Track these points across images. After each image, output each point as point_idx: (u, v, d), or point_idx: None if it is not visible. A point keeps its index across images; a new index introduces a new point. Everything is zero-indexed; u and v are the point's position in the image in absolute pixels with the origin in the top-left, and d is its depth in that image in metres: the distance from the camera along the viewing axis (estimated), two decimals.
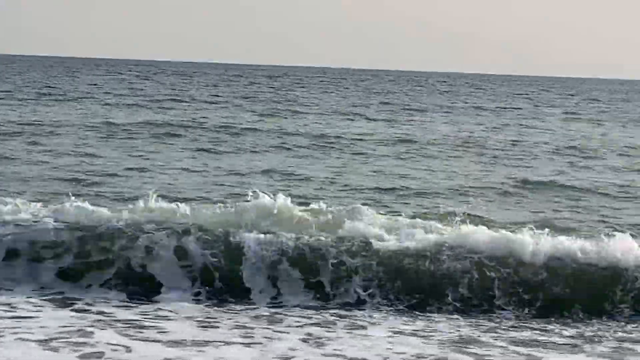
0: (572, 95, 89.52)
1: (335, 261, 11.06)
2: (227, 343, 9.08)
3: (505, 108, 57.36)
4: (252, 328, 9.65)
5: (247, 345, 9.05)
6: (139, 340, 9.13)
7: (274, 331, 9.58)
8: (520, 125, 41.79)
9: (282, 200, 11.79)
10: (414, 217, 12.70)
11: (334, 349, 9.02)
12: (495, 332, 9.95)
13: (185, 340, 9.15)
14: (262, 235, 11.24)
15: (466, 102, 62.83)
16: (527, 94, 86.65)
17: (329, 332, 9.68)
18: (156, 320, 9.87)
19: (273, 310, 10.51)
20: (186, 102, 47.32)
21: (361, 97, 65.65)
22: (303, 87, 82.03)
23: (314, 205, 12.27)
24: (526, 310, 10.75)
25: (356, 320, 10.20)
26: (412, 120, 41.95)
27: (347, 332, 9.67)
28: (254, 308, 10.54)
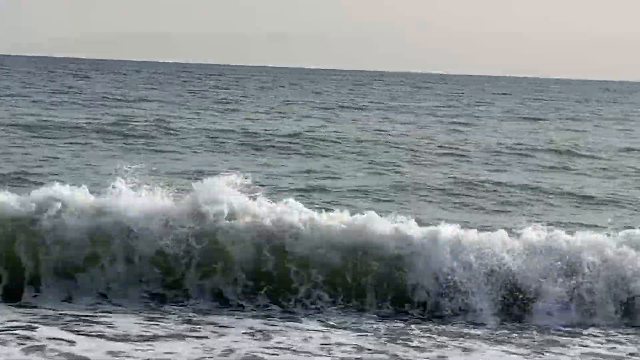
0: (507, 94, 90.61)
1: (271, 257, 11.16)
2: (174, 337, 9.37)
3: (440, 106, 58.00)
4: (198, 323, 9.93)
5: (195, 338, 9.35)
6: (83, 334, 9.34)
7: (220, 326, 9.86)
8: (454, 122, 42.34)
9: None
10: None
11: (277, 342, 9.36)
12: (425, 325, 10.30)
13: (131, 334, 9.40)
14: (201, 232, 11.23)
15: (405, 102, 63.36)
16: (463, 93, 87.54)
17: (270, 325, 10.00)
18: (103, 315, 10.09)
19: (216, 304, 10.75)
20: (120, 100, 47.16)
21: (297, 96, 66.01)
22: (238, 84, 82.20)
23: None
24: (451, 303, 10.95)
25: (293, 315, 10.51)
26: (347, 118, 42.23)
27: (287, 326, 9.96)
28: (200, 303, 10.76)
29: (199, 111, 42.24)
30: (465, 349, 9.46)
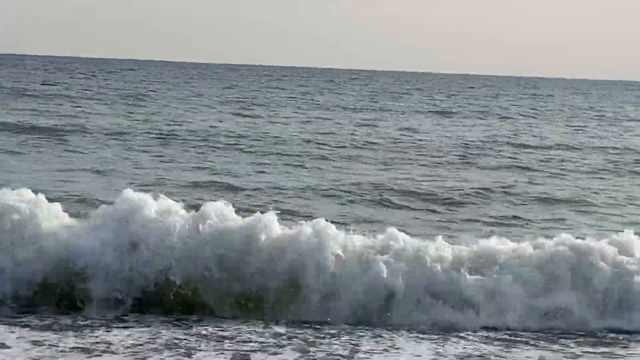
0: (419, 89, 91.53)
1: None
2: (101, 327, 9.86)
3: (359, 105, 58.51)
4: (123, 314, 10.40)
5: (121, 328, 9.86)
6: (6, 324, 9.71)
7: (144, 315, 10.40)
8: (362, 118, 42.94)
9: None
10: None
11: (196, 330, 9.98)
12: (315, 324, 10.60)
13: (57, 324, 9.86)
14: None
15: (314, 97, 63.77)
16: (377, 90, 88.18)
17: (190, 315, 10.52)
18: (29, 307, 10.42)
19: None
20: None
21: (212, 89, 66.20)
22: (158, 80, 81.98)
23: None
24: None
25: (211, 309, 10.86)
26: (257, 115, 42.51)
27: (204, 315, 10.52)
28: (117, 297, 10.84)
29: (103, 105, 42.31)
30: (375, 336, 10.04)
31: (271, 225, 11.04)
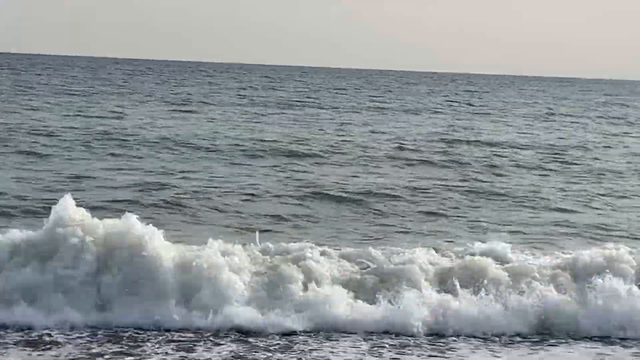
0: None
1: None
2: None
3: (283, 96, 58.47)
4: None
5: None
6: None
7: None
8: (300, 116, 43.01)
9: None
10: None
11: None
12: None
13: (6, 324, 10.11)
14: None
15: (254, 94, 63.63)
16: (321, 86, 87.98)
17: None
18: None
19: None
20: None
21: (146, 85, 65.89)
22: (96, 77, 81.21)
23: None
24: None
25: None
26: (190, 110, 42.48)
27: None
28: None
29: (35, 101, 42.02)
30: (309, 332, 10.45)
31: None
